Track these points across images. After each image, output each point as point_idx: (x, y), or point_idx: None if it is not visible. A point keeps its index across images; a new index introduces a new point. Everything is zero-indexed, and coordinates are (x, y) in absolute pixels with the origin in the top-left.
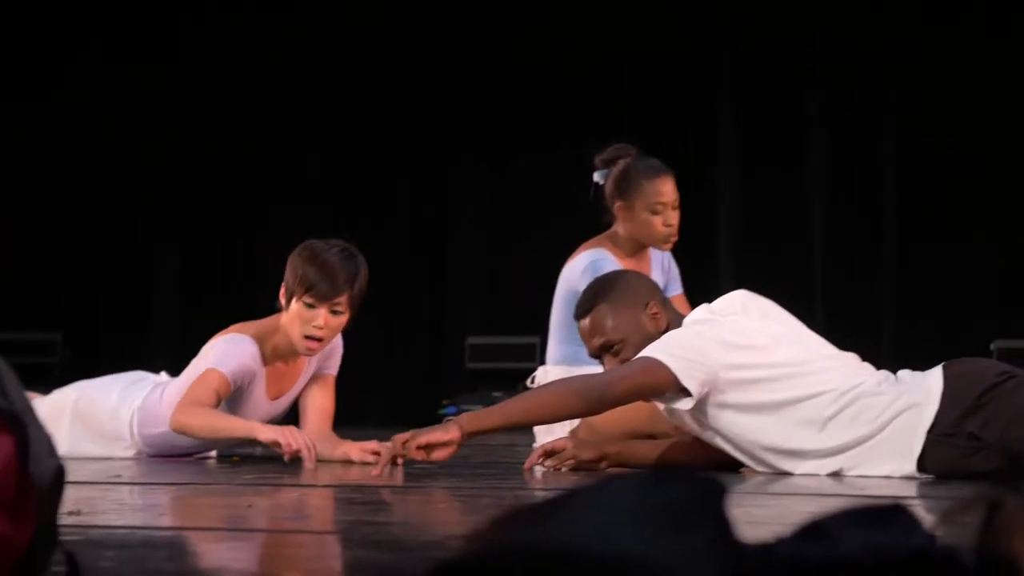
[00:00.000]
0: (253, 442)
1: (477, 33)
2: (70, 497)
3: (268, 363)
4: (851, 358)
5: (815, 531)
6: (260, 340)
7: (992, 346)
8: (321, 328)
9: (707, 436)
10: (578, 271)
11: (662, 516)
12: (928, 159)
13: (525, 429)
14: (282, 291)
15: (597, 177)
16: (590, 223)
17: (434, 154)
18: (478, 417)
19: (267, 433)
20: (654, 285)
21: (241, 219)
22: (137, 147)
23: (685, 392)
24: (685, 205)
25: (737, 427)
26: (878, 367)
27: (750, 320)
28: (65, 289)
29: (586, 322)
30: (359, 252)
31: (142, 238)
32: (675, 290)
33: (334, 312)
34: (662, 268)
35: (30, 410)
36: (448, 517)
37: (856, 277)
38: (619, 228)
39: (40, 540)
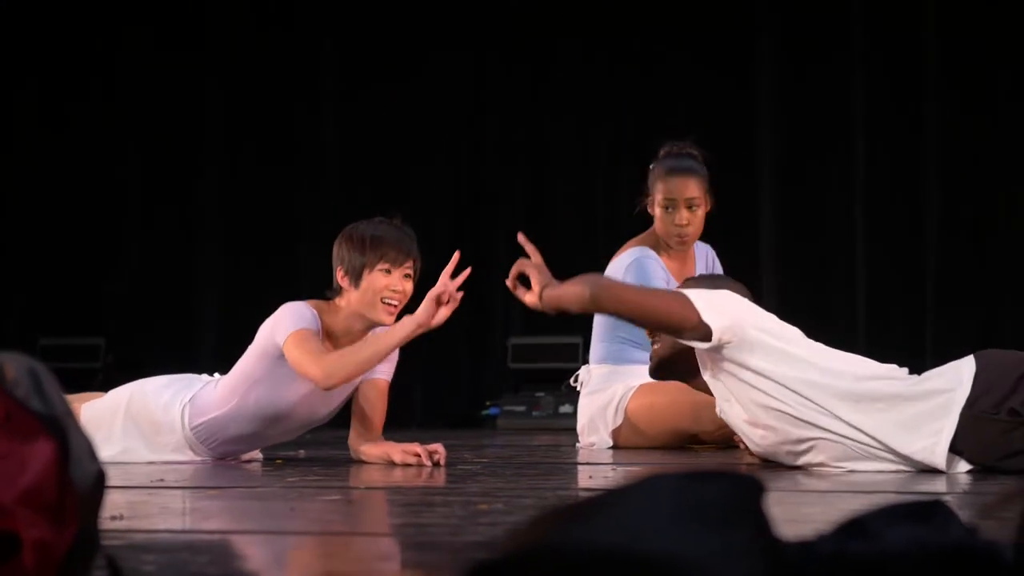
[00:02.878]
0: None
1: (511, 26)
2: (112, 501)
3: (323, 341)
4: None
5: (855, 527)
6: (317, 312)
7: None
8: (398, 292)
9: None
10: (621, 269)
11: (703, 514)
12: (972, 144)
13: (569, 429)
14: (339, 274)
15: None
16: (633, 220)
17: (472, 152)
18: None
19: (406, 325)
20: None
21: (281, 218)
22: (174, 147)
23: (706, 333)
24: (728, 201)
25: (760, 391)
26: (922, 363)
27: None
28: (107, 294)
29: None
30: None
31: (182, 241)
32: None
33: (406, 276)
34: (706, 266)
35: (70, 414)
36: (490, 518)
37: (899, 272)
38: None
39: (81, 544)
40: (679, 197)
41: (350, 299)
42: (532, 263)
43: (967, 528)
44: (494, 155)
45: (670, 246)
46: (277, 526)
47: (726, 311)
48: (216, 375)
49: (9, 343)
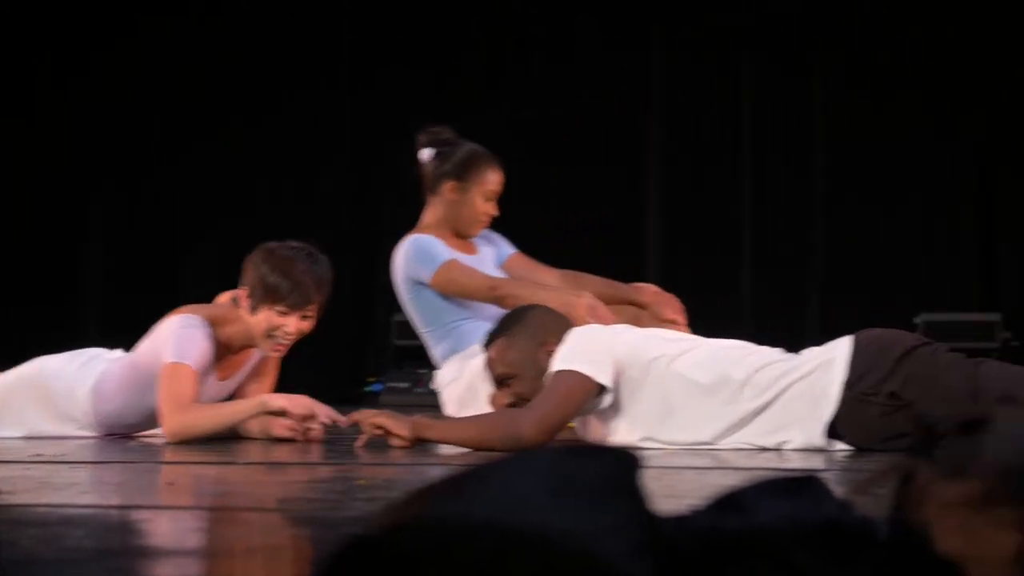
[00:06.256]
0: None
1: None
2: None
3: (220, 348)
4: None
5: (731, 502)
6: (214, 325)
7: (917, 320)
8: (291, 334)
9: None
10: (400, 257)
11: (580, 489)
12: (857, 131)
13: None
14: (243, 292)
15: (424, 156)
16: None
17: (359, 133)
18: (428, 427)
19: (277, 401)
20: (559, 320)
21: (167, 192)
22: (63, 120)
23: (603, 389)
24: (616, 182)
25: (642, 404)
26: (804, 343)
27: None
28: None
29: (489, 352)
30: (319, 251)
31: (66, 210)
32: (510, 250)
33: (304, 318)
34: (487, 240)
35: None
36: (369, 493)
37: (783, 251)
38: (441, 208)
39: None
40: (501, 188)
41: (247, 318)
42: (383, 416)
43: (840, 503)
44: (378, 143)
45: (468, 234)
46: (156, 500)
47: (603, 359)
48: (118, 352)
49: None
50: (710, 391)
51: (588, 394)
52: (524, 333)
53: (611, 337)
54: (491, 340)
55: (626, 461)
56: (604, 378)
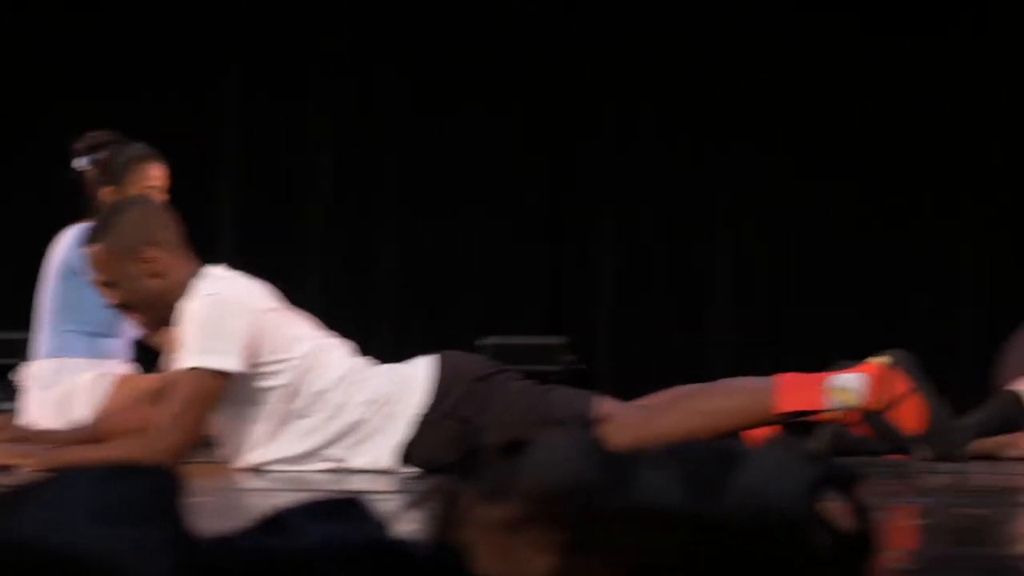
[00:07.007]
0: None
1: None
2: None
3: None
4: (340, 344)
5: (274, 523)
6: None
7: (482, 342)
8: None
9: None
10: (62, 244)
11: (116, 510)
12: (434, 148)
13: None
14: None
15: (80, 164)
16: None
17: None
18: (60, 458)
19: None
20: (161, 224)
21: None
22: None
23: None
24: (185, 189)
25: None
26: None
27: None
28: None
29: (87, 253)
30: None
31: None
32: None
33: None
34: None
35: None
36: None
37: (352, 267)
38: None
39: None
40: (160, 183)
41: None
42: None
43: (382, 524)
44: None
45: None
46: None
47: (233, 342)
48: None
49: None
50: (303, 413)
51: (221, 388)
52: (119, 242)
53: (245, 309)
54: (90, 241)
55: (165, 482)
56: (236, 364)
